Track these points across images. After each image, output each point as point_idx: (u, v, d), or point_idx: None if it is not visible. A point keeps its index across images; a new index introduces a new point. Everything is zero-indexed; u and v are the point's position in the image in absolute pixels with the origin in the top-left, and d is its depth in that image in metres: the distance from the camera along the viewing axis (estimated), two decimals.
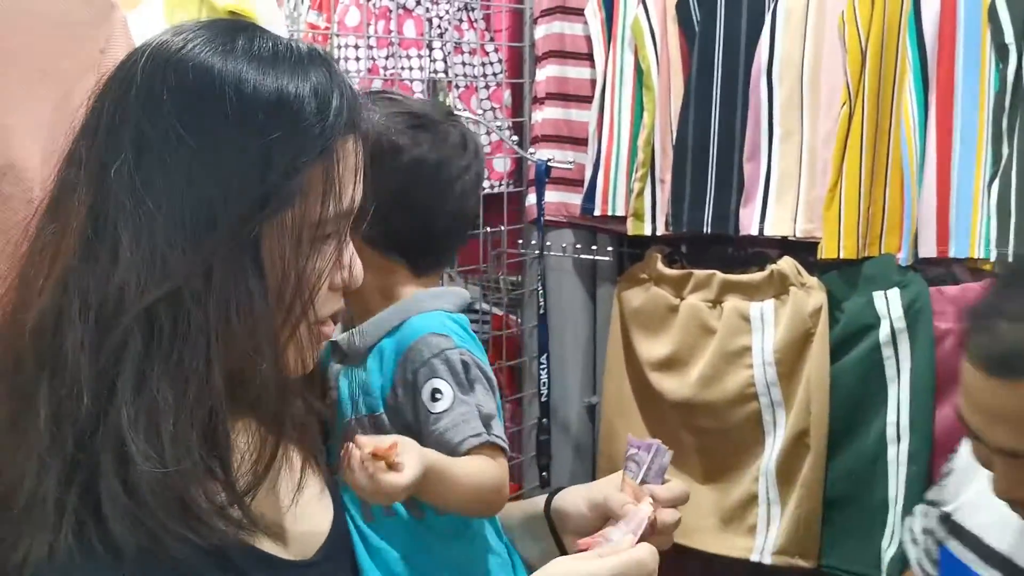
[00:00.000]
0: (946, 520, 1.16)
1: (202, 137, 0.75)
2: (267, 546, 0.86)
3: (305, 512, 0.92)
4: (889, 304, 1.63)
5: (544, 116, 1.99)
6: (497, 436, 1.02)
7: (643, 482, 1.01)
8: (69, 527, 0.71)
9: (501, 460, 1.03)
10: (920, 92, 1.58)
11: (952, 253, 1.57)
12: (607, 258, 2.00)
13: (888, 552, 1.64)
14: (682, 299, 1.85)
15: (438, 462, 0.96)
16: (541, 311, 1.98)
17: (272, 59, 0.78)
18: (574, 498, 1.06)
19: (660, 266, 1.87)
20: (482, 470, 1.00)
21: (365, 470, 0.88)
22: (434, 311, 1.07)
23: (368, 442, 0.89)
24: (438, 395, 1.03)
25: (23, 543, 0.71)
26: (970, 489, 1.14)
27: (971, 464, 1.10)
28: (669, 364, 1.87)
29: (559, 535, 1.08)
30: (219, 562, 0.78)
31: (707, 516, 1.86)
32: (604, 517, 0.97)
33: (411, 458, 0.90)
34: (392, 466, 0.87)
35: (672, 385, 1.85)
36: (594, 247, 2.00)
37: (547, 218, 1.97)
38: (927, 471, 1.61)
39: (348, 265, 0.86)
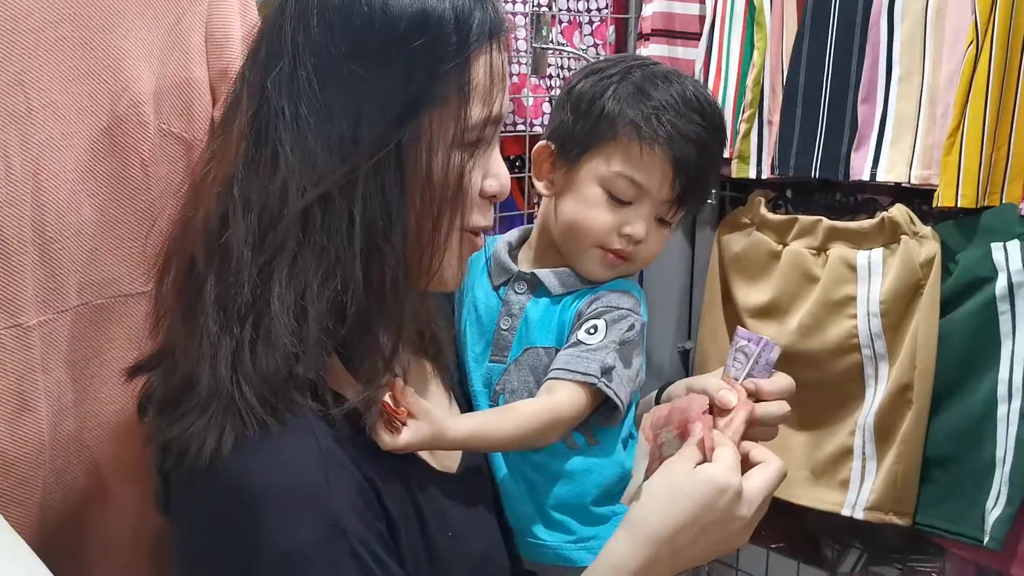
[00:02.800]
0: None
1: (350, 49, 0.82)
2: (422, 455, 0.93)
3: None
4: (1008, 257, 1.56)
5: (649, 53, 1.93)
6: (607, 386, 1.06)
7: (748, 375, 1.03)
8: (251, 407, 0.79)
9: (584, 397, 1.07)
10: None
11: None
12: (709, 201, 1.94)
13: (993, 514, 1.58)
14: (785, 245, 1.80)
15: (477, 429, 1.02)
16: None
17: None
18: (678, 388, 1.14)
19: (763, 211, 1.82)
20: (545, 409, 1.05)
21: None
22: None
23: (397, 392, 0.91)
24: (592, 331, 1.10)
25: (214, 428, 0.79)
26: None
27: None
28: (768, 311, 1.82)
29: None
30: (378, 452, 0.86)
31: (799, 467, 1.82)
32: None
33: (417, 428, 0.92)
34: (393, 425, 0.90)
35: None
36: None
37: None
38: None
39: (497, 174, 0.92)
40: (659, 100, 1.12)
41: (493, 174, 0.91)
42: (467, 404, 1.13)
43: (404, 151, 0.82)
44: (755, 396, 1.04)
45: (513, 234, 1.24)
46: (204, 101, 1.12)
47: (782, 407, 1.05)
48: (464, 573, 0.93)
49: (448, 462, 0.99)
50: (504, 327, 1.14)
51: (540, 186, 1.19)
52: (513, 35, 1.84)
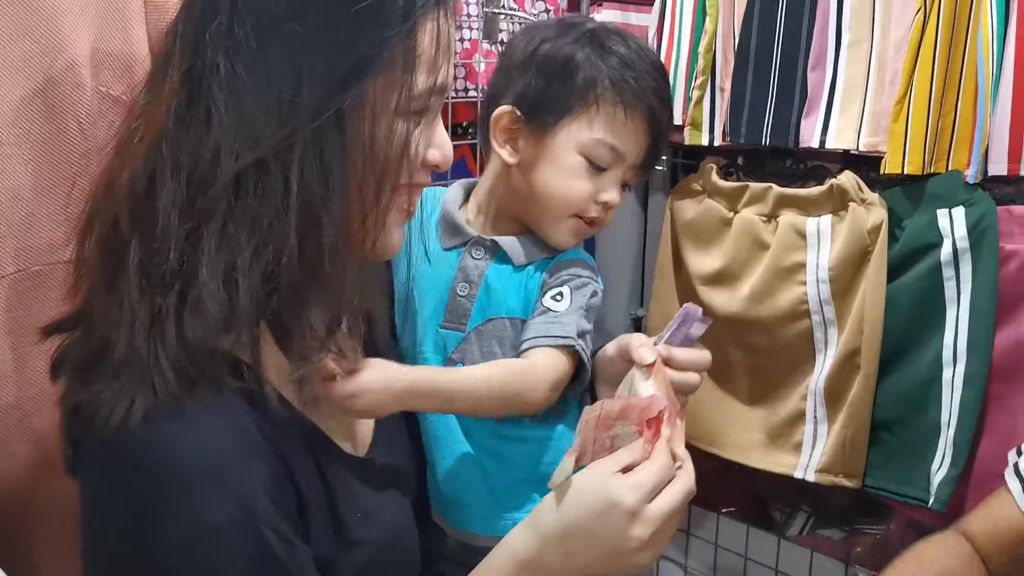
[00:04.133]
0: None
1: (292, 8, 0.78)
2: (332, 435, 0.90)
3: None
4: (953, 223, 1.57)
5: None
6: (580, 347, 1.08)
7: (667, 342, 1.03)
8: (165, 378, 0.76)
9: (565, 361, 1.08)
10: (1001, 0, 1.50)
11: None
12: (660, 168, 1.95)
13: (938, 476, 1.61)
14: (736, 212, 1.81)
15: (437, 374, 1.04)
16: None
17: None
18: (610, 347, 1.15)
19: (715, 178, 1.83)
20: (518, 364, 1.07)
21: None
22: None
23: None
24: (558, 298, 1.11)
25: (125, 395, 0.76)
26: None
27: None
28: (720, 278, 1.83)
29: (594, 383, 1.17)
30: (296, 428, 0.85)
31: (754, 432, 1.85)
32: (629, 362, 1.02)
33: (371, 371, 0.93)
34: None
35: (722, 300, 1.82)
36: None
37: None
38: (982, 395, 1.57)
39: (440, 144, 0.89)
40: (626, 57, 1.13)
41: (436, 144, 0.89)
42: None
43: (345, 117, 0.80)
44: (666, 363, 1.03)
45: (457, 191, 1.21)
46: (144, 63, 1.09)
47: (690, 379, 1.04)
48: (372, 553, 0.91)
49: (359, 447, 0.97)
50: (461, 293, 1.13)
51: (504, 153, 1.16)
52: (464, 0, 1.82)
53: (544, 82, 1.12)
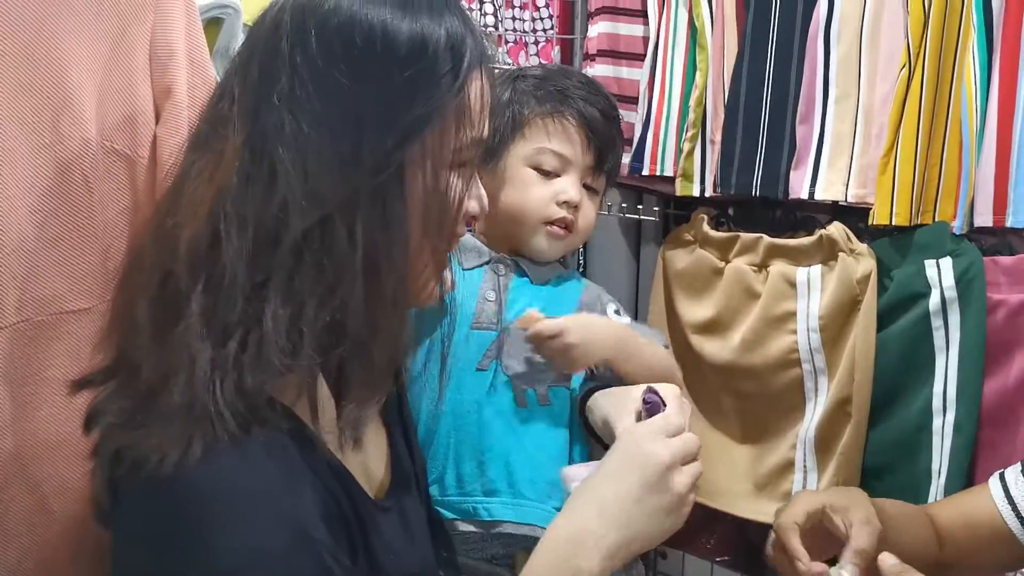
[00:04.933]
0: None
1: (351, 70, 0.83)
2: (361, 481, 0.93)
3: (372, 448, 1.00)
4: (941, 273, 1.60)
5: (595, 73, 1.95)
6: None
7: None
8: (224, 420, 0.78)
9: None
10: (984, 54, 1.54)
11: (1010, 223, 1.53)
12: (653, 218, 1.98)
13: None
14: (727, 262, 1.83)
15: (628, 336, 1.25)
16: (581, 269, 1.97)
17: (411, 4, 0.86)
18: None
19: (706, 228, 1.85)
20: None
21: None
22: None
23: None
24: (620, 311, 1.34)
25: (181, 438, 0.78)
26: None
27: None
28: (711, 327, 1.85)
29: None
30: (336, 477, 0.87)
31: (742, 480, 1.85)
32: None
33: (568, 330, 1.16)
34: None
35: (714, 348, 1.84)
36: (640, 207, 1.98)
37: None
38: (972, 442, 1.58)
39: (478, 195, 0.96)
40: (558, 80, 1.28)
41: (475, 195, 0.94)
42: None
43: (404, 171, 0.84)
44: None
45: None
46: (147, 117, 1.12)
47: None
48: None
49: (376, 490, 0.99)
50: (489, 299, 1.24)
51: None
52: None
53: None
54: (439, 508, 1.18)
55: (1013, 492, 1.27)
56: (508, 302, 1.24)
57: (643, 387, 1.06)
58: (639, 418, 1.06)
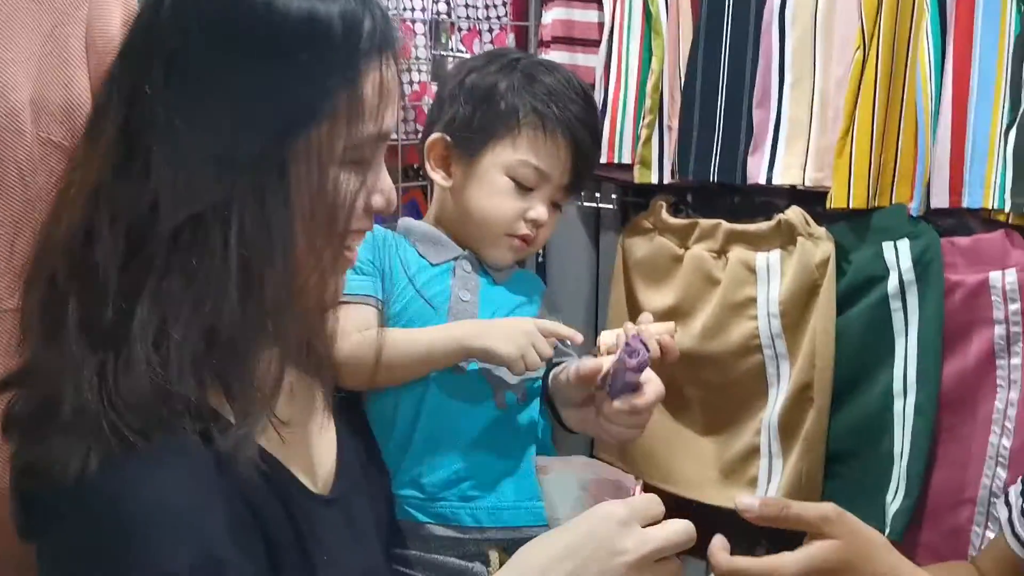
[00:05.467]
0: None
1: (231, 58, 0.77)
2: (299, 475, 0.90)
3: (317, 443, 0.97)
4: (899, 255, 1.60)
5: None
6: None
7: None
8: (117, 428, 0.74)
9: None
10: (937, 37, 1.54)
11: (966, 203, 1.53)
12: (611, 206, 1.96)
13: (892, 507, 1.62)
14: (687, 249, 1.82)
15: None
16: (540, 259, 1.95)
17: None
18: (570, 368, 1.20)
19: (665, 215, 1.84)
20: None
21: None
22: None
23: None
24: None
25: (78, 448, 0.74)
26: None
27: None
28: (672, 315, 1.83)
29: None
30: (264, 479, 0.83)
31: (708, 468, 1.85)
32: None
33: None
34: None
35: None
36: (598, 195, 1.97)
37: None
38: (933, 425, 1.59)
39: (383, 190, 0.88)
40: (550, 86, 1.21)
41: (379, 189, 0.88)
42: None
43: (287, 169, 0.78)
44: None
45: (414, 221, 1.28)
46: (85, 108, 1.08)
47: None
48: None
49: (322, 484, 0.96)
50: (464, 299, 1.20)
51: (437, 177, 1.24)
52: (413, 43, 1.83)
53: (471, 110, 1.21)
54: (413, 511, 1.15)
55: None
56: (480, 301, 1.21)
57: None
58: (619, 366, 1.08)
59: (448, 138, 1.23)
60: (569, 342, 1.21)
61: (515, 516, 1.17)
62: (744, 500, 0.97)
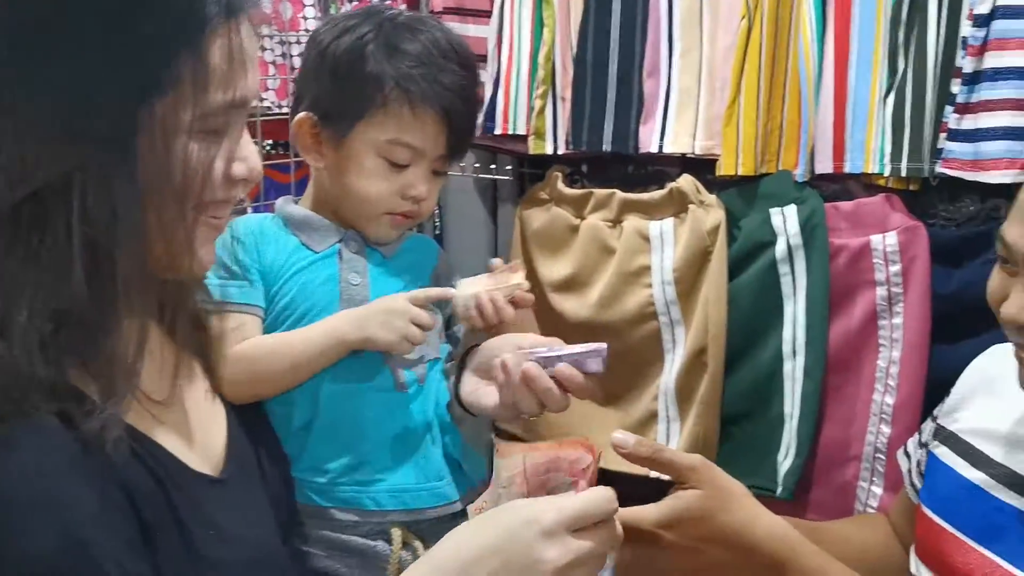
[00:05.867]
0: (940, 430, 1.18)
1: (64, 26, 0.72)
2: (180, 455, 0.87)
3: (203, 423, 0.94)
4: (786, 221, 1.64)
5: None
6: None
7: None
8: None
9: None
10: (818, 7, 1.57)
11: (848, 168, 1.58)
12: (508, 178, 1.96)
13: (784, 465, 1.67)
14: (583, 219, 1.83)
15: None
16: (437, 231, 1.94)
17: None
18: (505, 346, 1.13)
19: (561, 186, 1.85)
20: None
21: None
22: None
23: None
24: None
25: None
26: (971, 405, 1.16)
27: (972, 385, 1.16)
28: (570, 285, 1.85)
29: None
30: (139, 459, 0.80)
31: (609, 435, 1.87)
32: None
33: None
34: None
35: (573, 306, 1.84)
36: (493, 166, 1.97)
37: None
38: (821, 385, 1.64)
39: (245, 158, 0.85)
40: (416, 55, 1.13)
41: (240, 157, 0.84)
42: None
43: (132, 142, 0.74)
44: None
45: (291, 204, 1.22)
46: None
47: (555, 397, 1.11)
48: (236, 571, 0.88)
49: (211, 466, 0.94)
50: (354, 283, 1.16)
51: (309, 159, 1.19)
52: (302, 15, 1.79)
53: (333, 88, 1.14)
54: (314, 495, 1.14)
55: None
56: (370, 283, 1.17)
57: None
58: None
59: (314, 117, 1.16)
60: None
61: (416, 498, 1.16)
62: (619, 436, 0.98)
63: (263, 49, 1.75)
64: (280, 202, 1.23)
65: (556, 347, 1.11)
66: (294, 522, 1.12)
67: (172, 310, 0.91)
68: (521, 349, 1.11)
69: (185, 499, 0.84)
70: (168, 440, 0.86)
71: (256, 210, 1.79)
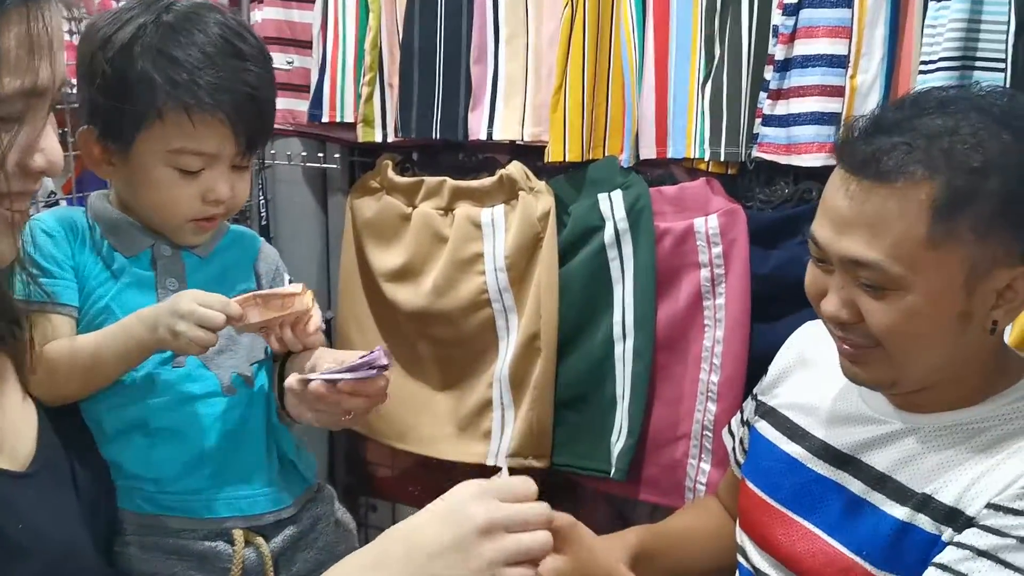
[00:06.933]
0: (760, 406, 1.22)
1: None
2: None
3: (13, 423, 0.93)
4: (613, 206, 1.66)
5: (264, 16, 1.88)
6: None
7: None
8: None
9: None
10: None
11: (670, 154, 1.61)
12: (336, 166, 1.92)
13: (617, 447, 1.70)
14: (414, 207, 1.82)
15: None
16: (264, 222, 1.89)
17: None
18: (325, 358, 1.12)
19: (391, 174, 1.83)
20: None
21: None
22: None
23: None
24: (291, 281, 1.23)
25: None
26: (788, 381, 1.20)
27: (788, 361, 1.21)
28: (403, 274, 1.84)
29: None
30: None
31: (444, 424, 1.87)
32: None
33: None
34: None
35: (407, 295, 1.83)
36: (321, 155, 1.92)
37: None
38: (651, 366, 1.67)
39: (44, 149, 0.81)
40: (190, 61, 1.04)
41: (39, 148, 0.81)
42: None
43: None
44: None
45: (102, 202, 1.15)
46: None
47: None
48: (43, 567, 0.87)
49: (18, 462, 0.92)
50: (172, 288, 1.10)
51: (99, 173, 1.11)
52: (115, 2, 1.70)
53: (106, 100, 1.05)
54: (143, 503, 1.09)
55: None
56: (188, 286, 1.11)
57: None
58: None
59: (95, 130, 1.08)
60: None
61: (253, 504, 1.13)
62: None
63: (71, 33, 1.65)
64: (93, 198, 1.15)
65: (335, 365, 1.07)
66: (114, 531, 1.08)
67: None
68: (302, 375, 1.08)
69: None
70: None
71: (72, 203, 1.70)
